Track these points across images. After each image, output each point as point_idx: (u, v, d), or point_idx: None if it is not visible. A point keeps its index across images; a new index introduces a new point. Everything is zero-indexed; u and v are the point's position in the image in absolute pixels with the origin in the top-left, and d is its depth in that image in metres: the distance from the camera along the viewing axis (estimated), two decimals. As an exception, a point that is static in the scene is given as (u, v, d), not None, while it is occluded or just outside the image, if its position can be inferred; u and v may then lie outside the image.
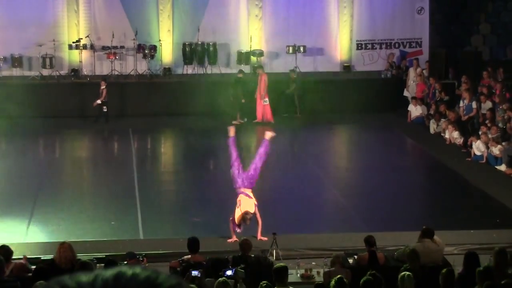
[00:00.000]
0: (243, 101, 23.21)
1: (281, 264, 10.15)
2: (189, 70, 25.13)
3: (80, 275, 1.62)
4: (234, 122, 23.06)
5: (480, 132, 19.58)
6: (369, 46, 26.38)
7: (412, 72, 24.63)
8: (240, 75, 23.59)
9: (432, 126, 22.08)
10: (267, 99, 23.19)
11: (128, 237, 13.69)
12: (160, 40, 25.14)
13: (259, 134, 23.14)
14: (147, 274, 1.61)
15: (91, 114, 23.33)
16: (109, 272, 1.61)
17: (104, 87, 22.84)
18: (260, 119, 23.41)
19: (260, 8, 25.86)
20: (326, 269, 10.94)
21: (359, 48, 26.37)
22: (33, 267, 10.51)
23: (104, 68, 24.95)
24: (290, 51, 25.21)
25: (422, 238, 11.21)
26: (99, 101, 22.67)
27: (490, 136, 19.07)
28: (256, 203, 13.26)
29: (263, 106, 23.35)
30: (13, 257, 10.71)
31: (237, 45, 25.65)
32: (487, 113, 20.61)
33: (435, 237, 11.33)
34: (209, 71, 25.08)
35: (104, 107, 22.70)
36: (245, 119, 23.36)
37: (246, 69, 24.83)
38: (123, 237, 13.65)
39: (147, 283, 1.59)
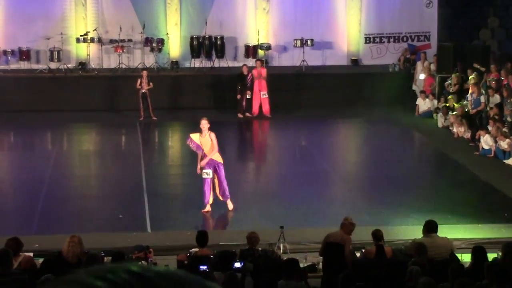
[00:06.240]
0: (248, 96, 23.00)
1: (290, 257, 10.17)
2: (197, 63, 25.12)
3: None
4: (240, 115, 23.07)
5: (488, 126, 19.53)
6: (377, 39, 26.33)
7: (420, 66, 24.59)
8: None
9: (440, 120, 22.04)
10: (266, 92, 23.02)
11: (136, 230, 13.71)
12: (167, 34, 25.15)
13: (254, 129, 23.18)
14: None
15: (97, 107, 23.37)
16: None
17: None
18: (257, 113, 23.16)
19: (267, 1, 25.83)
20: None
21: (367, 41, 26.33)
22: (41, 260, 10.54)
23: (111, 61, 24.98)
24: (298, 44, 25.17)
25: (428, 232, 11.17)
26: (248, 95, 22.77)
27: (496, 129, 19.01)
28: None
29: (260, 100, 23.07)
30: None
31: (244, 38, 25.64)
32: (494, 107, 20.55)
33: (442, 236, 11.26)
34: (216, 65, 25.07)
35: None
36: (246, 113, 23.14)
37: (253, 63, 24.78)
38: (130, 230, 13.67)
39: None
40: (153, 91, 22.41)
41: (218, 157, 14.30)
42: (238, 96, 22.87)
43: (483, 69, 22.88)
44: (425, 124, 22.46)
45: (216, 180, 14.43)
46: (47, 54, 24.45)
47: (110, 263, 10.07)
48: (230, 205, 14.41)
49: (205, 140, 14.20)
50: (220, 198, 14.44)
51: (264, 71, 23.02)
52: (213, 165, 14.28)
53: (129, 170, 17.74)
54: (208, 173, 14.28)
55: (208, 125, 14.23)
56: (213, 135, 14.23)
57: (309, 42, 25.16)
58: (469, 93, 22.05)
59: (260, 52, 25.20)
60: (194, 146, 14.36)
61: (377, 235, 11.12)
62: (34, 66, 24.60)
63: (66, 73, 24.31)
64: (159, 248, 12.18)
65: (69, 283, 1.48)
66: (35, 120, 22.22)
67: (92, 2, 25.26)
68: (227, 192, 14.35)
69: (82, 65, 24.76)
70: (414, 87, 24.58)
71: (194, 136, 14.34)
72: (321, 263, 11.53)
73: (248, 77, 22.89)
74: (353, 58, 26.17)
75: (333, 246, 10.91)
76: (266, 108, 23.08)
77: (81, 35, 24.63)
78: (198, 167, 14.49)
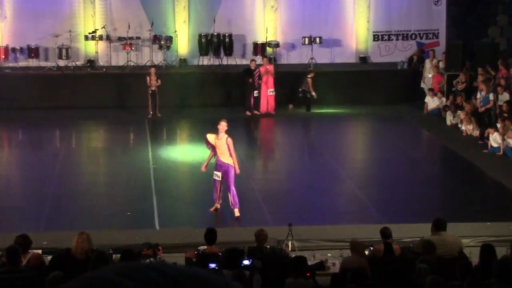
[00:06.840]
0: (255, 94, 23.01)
1: (298, 255, 10.15)
2: (205, 61, 25.12)
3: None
4: (248, 113, 23.06)
5: (497, 124, 19.48)
6: (386, 37, 26.29)
7: (428, 64, 24.54)
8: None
9: (449, 118, 21.99)
10: (273, 89, 23.03)
11: (144, 227, 13.72)
12: (176, 31, 25.15)
13: (262, 126, 23.17)
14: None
15: (106, 105, 23.40)
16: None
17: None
18: (264, 110, 23.16)
19: (275, -1, 25.83)
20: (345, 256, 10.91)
21: (376, 39, 26.28)
22: (49, 257, 10.56)
23: (120, 59, 25.00)
24: (306, 42, 25.15)
25: (437, 230, 11.14)
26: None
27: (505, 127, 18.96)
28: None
29: (268, 97, 23.06)
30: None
31: (253, 36, 25.63)
32: (504, 105, 20.49)
33: (450, 234, 11.22)
34: (224, 62, 25.06)
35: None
36: (254, 111, 23.12)
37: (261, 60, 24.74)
38: (139, 227, 13.69)
39: None
40: (161, 89, 22.40)
41: (230, 161, 14.20)
42: (250, 80, 22.84)
43: (493, 73, 22.74)
44: (434, 122, 22.42)
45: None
46: (55, 51, 24.49)
47: (119, 260, 10.10)
48: (236, 213, 14.29)
49: (220, 142, 14.11)
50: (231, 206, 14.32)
51: (271, 68, 23.05)
52: (224, 168, 14.21)
53: (137, 167, 17.77)
54: (218, 175, 14.25)
55: (226, 128, 14.18)
56: (230, 140, 14.06)
57: (317, 40, 25.14)
58: (478, 91, 22.00)
59: (269, 50, 25.19)
60: (210, 147, 14.35)
61: (386, 233, 11.11)
62: (43, 63, 24.64)
63: (74, 71, 24.35)
64: (167, 245, 12.19)
65: (96, 280, 1.47)
66: (44, 118, 22.27)
67: (101, -1, 25.30)
68: (236, 200, 14.21)
69: (91, 62, 24.80)
70: (422, 85, 24.53)
71: (210, 137, 14.29)
72: (330, 261, 11.54)
73: (256, 72, 22.90)
74: (361, 55, 26.13)
75: (355, 273, 10.15)
76: (271, 105, 23.08)
77: (89, 33, 24.67)
78: (204, 164, 14.50)
